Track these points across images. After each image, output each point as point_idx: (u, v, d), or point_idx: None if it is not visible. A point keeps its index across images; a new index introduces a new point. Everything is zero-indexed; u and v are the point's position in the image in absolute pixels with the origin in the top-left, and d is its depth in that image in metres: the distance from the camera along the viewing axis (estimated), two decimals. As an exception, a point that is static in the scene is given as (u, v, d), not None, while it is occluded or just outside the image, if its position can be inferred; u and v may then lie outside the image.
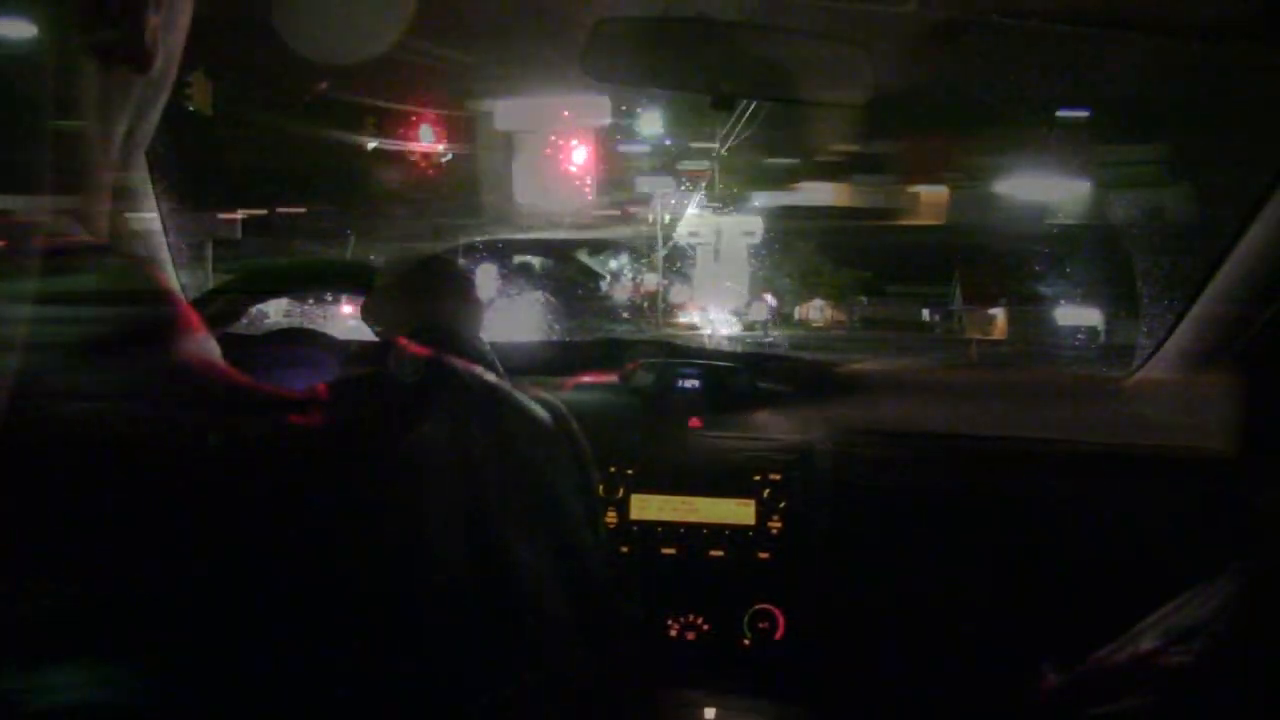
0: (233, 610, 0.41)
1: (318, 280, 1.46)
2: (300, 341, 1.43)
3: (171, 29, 0.56)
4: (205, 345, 0.48)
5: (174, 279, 1.82)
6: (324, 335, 1.43)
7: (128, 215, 1.60)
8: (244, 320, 1.53)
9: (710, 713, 1.68)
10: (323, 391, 0.50)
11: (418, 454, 0.49)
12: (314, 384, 0.51)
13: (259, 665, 0.42)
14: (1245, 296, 1.77)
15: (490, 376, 0.59)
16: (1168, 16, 1.39)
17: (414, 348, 0.58)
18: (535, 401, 0.62)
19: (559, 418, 0.63)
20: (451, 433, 0.52)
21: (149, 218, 1.65)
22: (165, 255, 1.79)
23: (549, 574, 0.54)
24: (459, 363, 0.57)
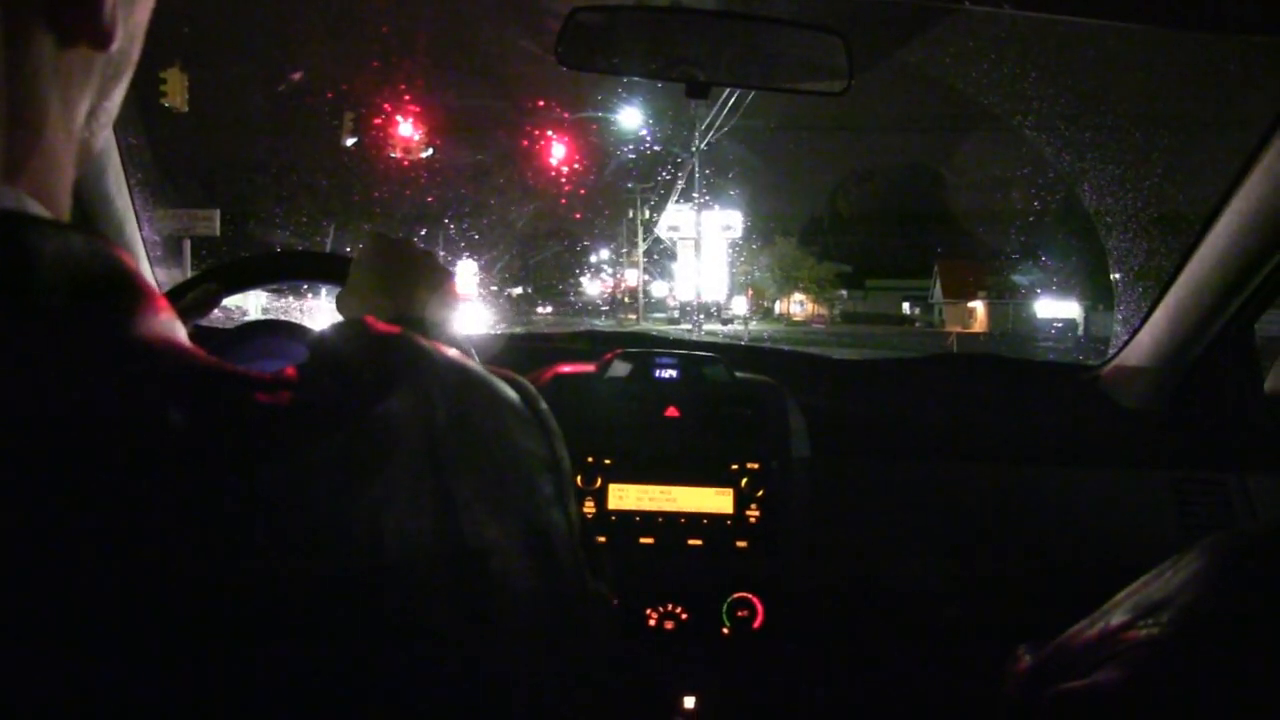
0: (193, 599, 0.41)
1: (293, 272, 1.45)
2: (273, 332, 1.42)
3: (133, 4, 0.55)
4: (169, 325, 0.47)
5: (147, 269, 1.81)
6: (297, 325, 1.42)
7: (99, 207, 1.59)
8: (220, 315, 1.52)
9: (690, 701, 1.69)
10: (290, 373, 0.50)
11: (381, 430, 0.49)
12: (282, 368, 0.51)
13: (224, 661, 0.41)
14: (1217, 285, 1.78)
15: (455, 354, 0.59)
16: (1142, 6, 1.40)
17: (381, 325, 0.58)
18: (504, 381, 0.62)
19: (528, 397, 0.63)
20: (416, 409, 0.51)
21: (121, 207, 1.64)
22: (139, 249, 1.78)
23: (520, 555, 0.54)
24: (424, 341, 0.57)
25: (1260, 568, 0.53)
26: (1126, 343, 2.05)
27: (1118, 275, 2.33)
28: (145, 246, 1.81)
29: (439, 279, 1.03)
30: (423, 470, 0.50)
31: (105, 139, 1.34)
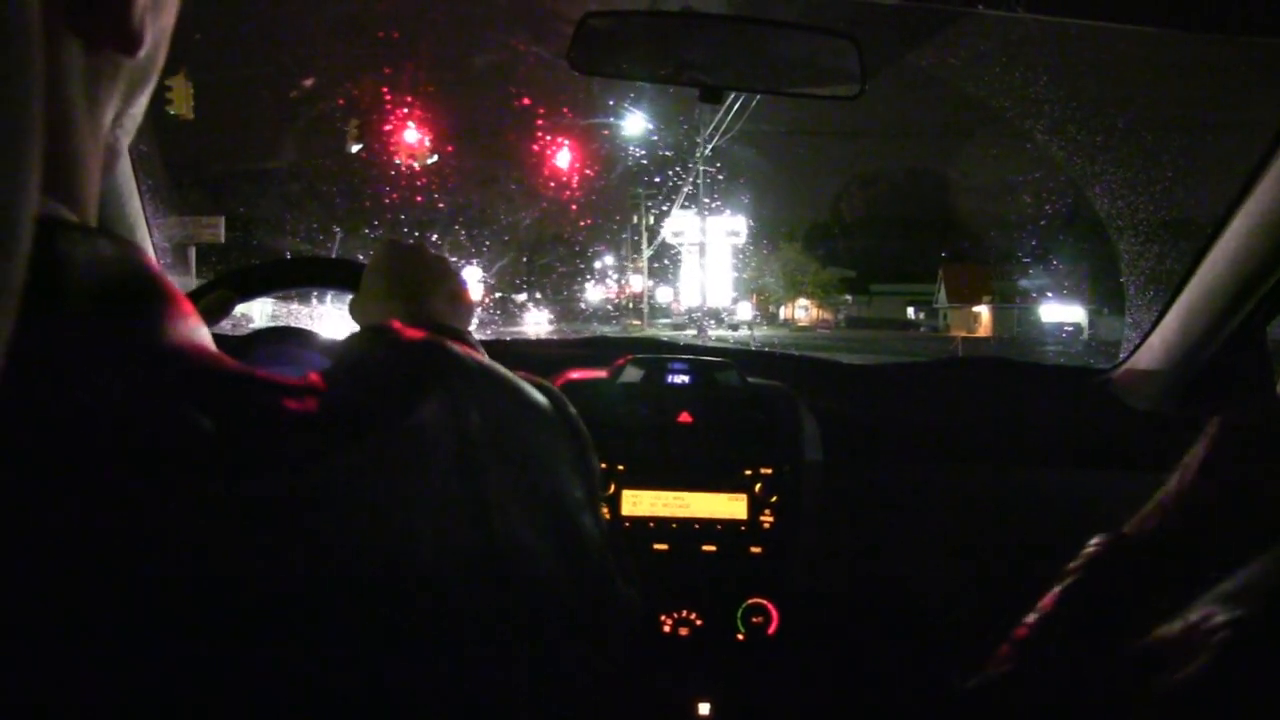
0: (224, 605, 0.41)
1: (303, 278, 1.45)
2: (283, 339, 1.42)
3: (160, 10, 0.55)
4: (197, 330, 0.48)
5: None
6: (309, 333, 1.41)
7: (113, 213, 1.60)
8: (228, 324, 1.51)
9: (705, 707, 1.69)
10: (317, 379, 0.50)
11: (416, 438, 0.49)
12: (306, 374, 0.51)
13: (255, 665, 0.41)
14: (1228, 288, 1.78)
15: (485, 359, 0.59)
16: (1152, 9, 1.40)
17: (409, 331, 0.58)
18: (532, 386, 0.62)
19: (556, 401, 0.63)
20: (449, 415, 0.51)
21: (133, 213, 1.65)
22: (150, 253, 1.78)
23: (552, 558, 0.54)
24: (454, 345, 0.57)
25: None
26: (1138, 346, 2.05)
27: (1128, 279, 2.33)
28: (156, 255, 1.81)
29: (452, 284, 1.03)
30: (455, 474, 0.50)
31: (124, 145, 1.34)
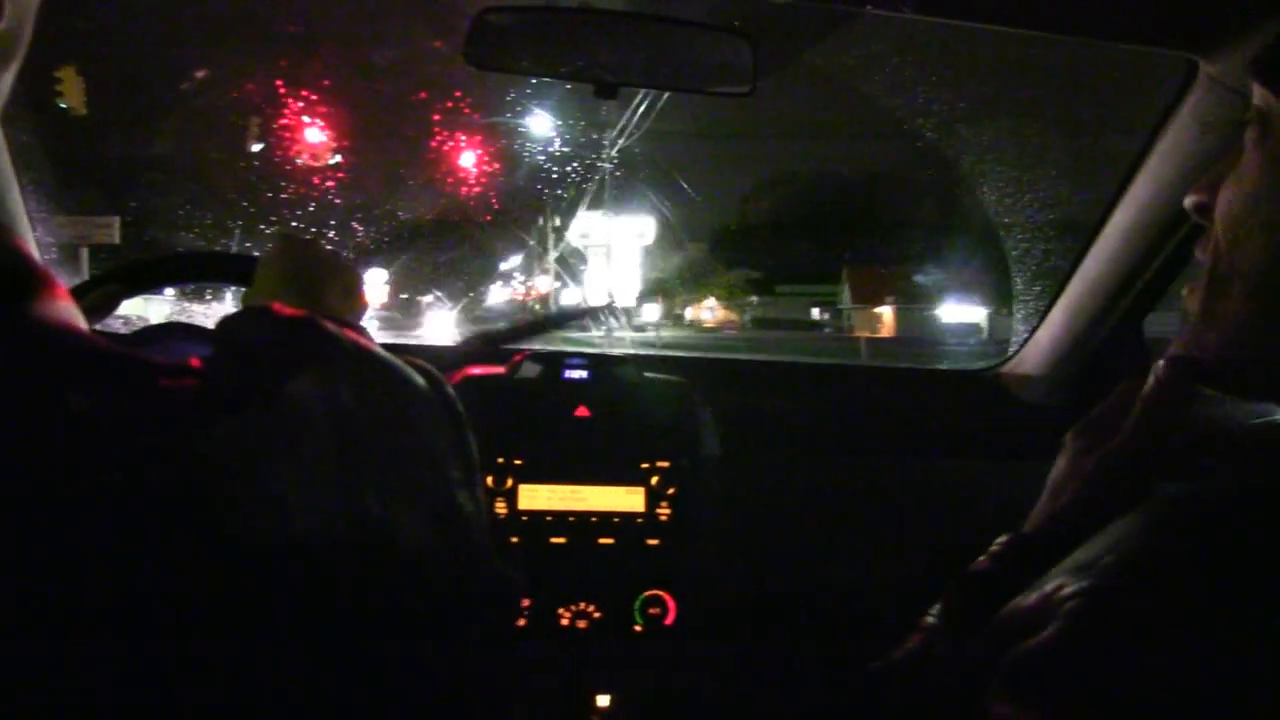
0: (92, 581, 0.40)
1: (197, 272, 1.42)
2: (175, 335, 1.38)
3: None
4: (68, 311, 0.46)
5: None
6: (201, 328, 1.38)
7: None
8: (121, 322, 1.47)
9: (603, 700, 1.69)
10: (195, 362, 0.49)
11: (289, 410, 0.48)
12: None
13: (123, 644, 0.40)
14: (1108, 285, 1.85)
15: (363, 340, 0.58)
16: (1037, 15, 1.44)
17: (286, 310, 0.57)
18: (411, 367, 0.61)
19: (434, 382, 0.63)
20: (322, 390, 0.51)
21: (12, 203, 1.59)
22: (30, 243, 1.72)
23: (427, 534, 0.54)
24: (331, 324, 0.56)
25: (1189, 519, 0.55)
26: (1025, 342, 2.11)
27: (1016, 277, 2.39)
28: (41, 250, 1.75)
29: (347, 279, 1.02)
30: (328, 449, 0.50)
31: None
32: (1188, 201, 0.75)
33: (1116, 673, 0.49)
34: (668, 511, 1.68)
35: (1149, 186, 1.67)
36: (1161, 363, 0.71)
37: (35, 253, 1.47)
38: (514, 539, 1.64)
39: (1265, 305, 0.64)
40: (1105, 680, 0.49)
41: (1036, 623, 0.53)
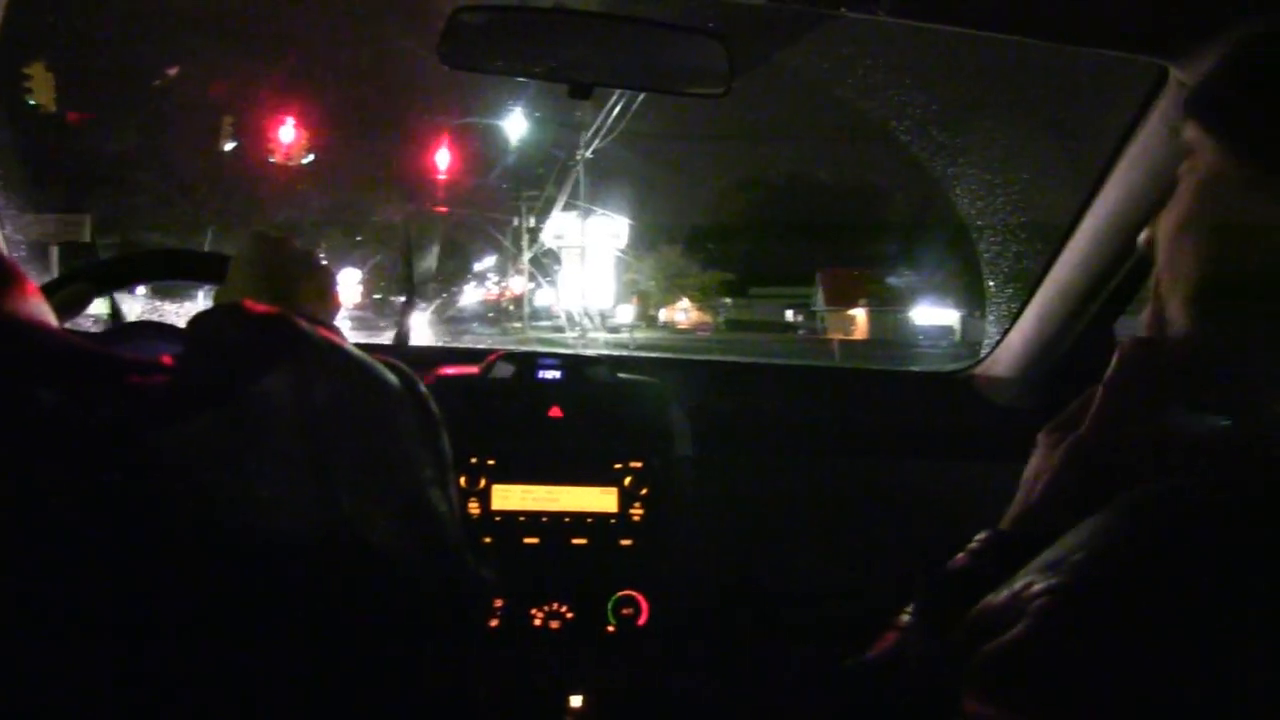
0: (55, 579, 0.39)
1: (168, 270, 1.40)
2: (147, 334, 1.37)
3: None
4: (37, 306, 0.46)
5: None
6: (173, 327, 1.37)
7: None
8: (91, 320, 1.45)
9: (576, 700, 1.69)
10: (166, 360, 0.49)
11: (259, 407, 0.48)
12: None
13: (84, 643, 0.40)
14: (1079, 288, 1.86)
15: (336, 338, 0.58)
16: (1010, 18, 1.45)
17: (259, 307, 0.57)
18: (384, 366, 0.61)
19: (407, 381, 0.63)
20: (294, 387, 0.51)
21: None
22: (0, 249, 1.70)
23: (399, 531, 0.54)
24: (304, 322, 0.56)
25: (1157, 517, 0.55)
26: (997, 344, 2.13)
27: (989, 280, 2.41)
28: (9, 247, 1.73)
29: (320, 278, 1.01)
30: (300, 447, 0.49)
31: None
32: (1140, 239, 0.79)
33: (1085, 669, 0.50)
34: (640, 512, 1.68)
35: (1119, 191, 1.69)
36: (1126, 341, 0.73)
37: (4, 249, 1.45)
38: (487, 539, 1.64)
39: (1200, 323, 0.69)
40: (1074, 677, 0.50)
41: (1007, 620, 0.54)
